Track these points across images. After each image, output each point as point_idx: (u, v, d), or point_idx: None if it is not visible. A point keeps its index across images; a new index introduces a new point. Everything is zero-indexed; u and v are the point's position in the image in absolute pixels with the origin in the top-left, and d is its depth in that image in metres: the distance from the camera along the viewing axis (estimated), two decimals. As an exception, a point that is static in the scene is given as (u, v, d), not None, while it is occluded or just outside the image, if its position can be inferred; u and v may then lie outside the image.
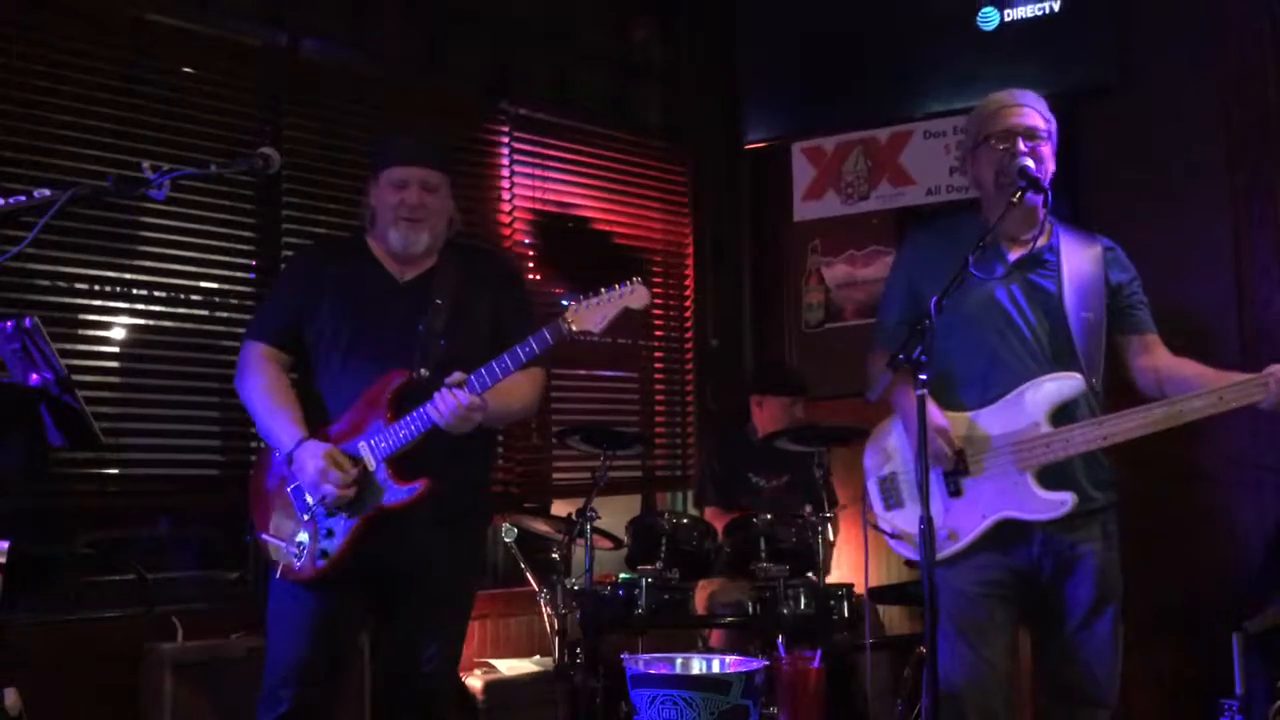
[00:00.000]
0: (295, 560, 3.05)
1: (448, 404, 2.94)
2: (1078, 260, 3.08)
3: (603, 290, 2.99)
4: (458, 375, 2.97)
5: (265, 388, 3.14)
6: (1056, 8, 4.85)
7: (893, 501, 3.19)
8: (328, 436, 3.09)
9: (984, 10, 4.97)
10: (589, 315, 2.98)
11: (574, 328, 2.98)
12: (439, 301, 3.17)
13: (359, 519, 3.02)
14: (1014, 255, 3.08)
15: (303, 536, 3.06)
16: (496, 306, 3.26)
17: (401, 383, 3.06)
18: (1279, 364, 2.81)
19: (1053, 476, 2.96)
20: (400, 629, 3.16)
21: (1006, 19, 4.94)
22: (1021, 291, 3.06)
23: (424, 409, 2.97)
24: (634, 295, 2.99)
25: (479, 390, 2.97)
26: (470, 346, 3.13)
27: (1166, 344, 3.15)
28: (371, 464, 3.02)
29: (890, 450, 3.22)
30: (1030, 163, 2.99)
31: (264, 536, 3.14)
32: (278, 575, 3.09)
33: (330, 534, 3.03)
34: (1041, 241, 3.11)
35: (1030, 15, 4.91)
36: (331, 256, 3.34)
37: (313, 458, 3.00)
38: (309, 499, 3.06)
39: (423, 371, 3.07)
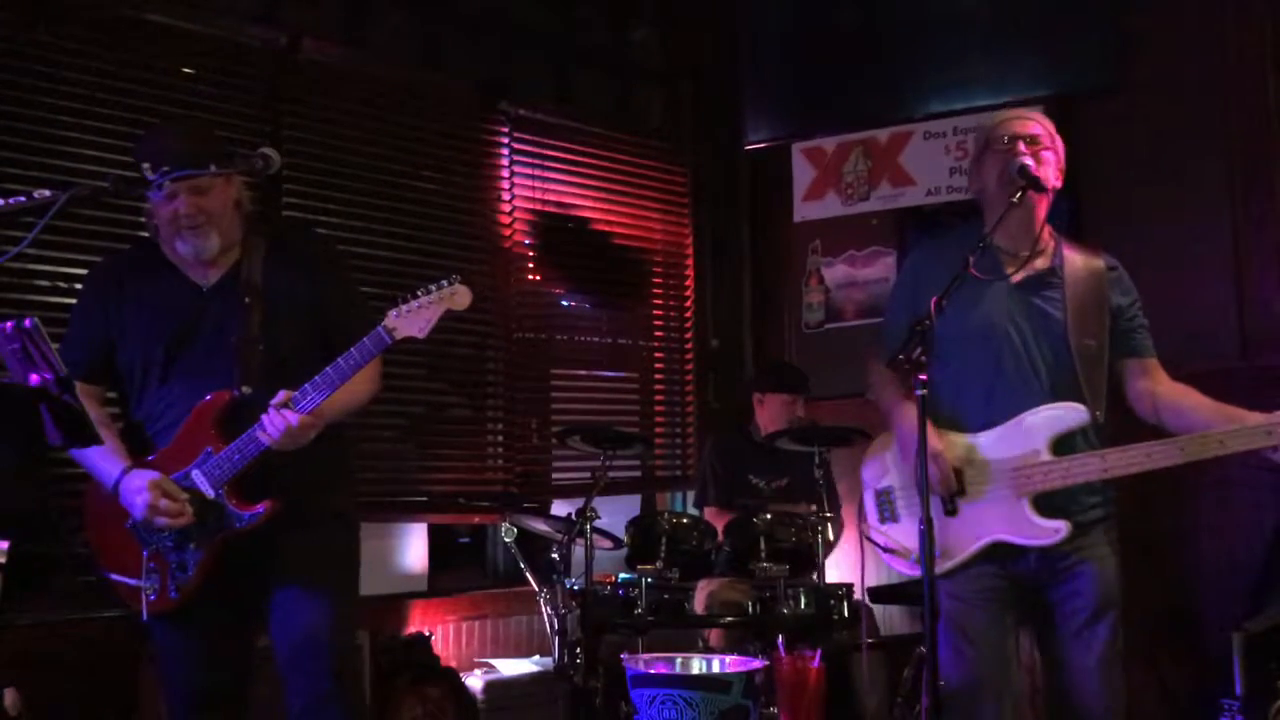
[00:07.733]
0: (151, 595, 2.92)
1: (276, 426, 2.77)
2: (1081, 283, 3.04)
3: (420, 293, 2.77)
4: (282, 395, 2.78)
5: None
6: None
7: (887, 515, 3.18)
8: (155, 466, 2.91)
9: None
10: (411, 321, 2.76)
11: (397, 335, 2.77)
12: (247, 301, 2.94)
13: (205, 550, 2.88)
14: (1018, 277, 3.03)
15: (152, 572, 2.92)
16: (313, 288, 3.02)
17: (224, 405, 2.88)
18: None
19: (1049, 503, 2.94)
20: (276, 633, 3.00)
21: None
22: (1025, 316, 3.02)
23: (253, 433, 2.80)
24: (455, 296, 2.78)
25: (308, 410, 2.78)
26: (293, 343, 2.96)
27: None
28: (209, 493, 2.85)
29: (889, 465, 3.20)
30: (1030, 162, 2.98)
31: (113, 577, 2.97)
32: (143, 615, 2.93)
33: (182, 567, 2.90)
34: (1044, 263, 3.07)
35: None
36: (127, 272, 3.05)
37: (139, 491, 2.83)
38: (151, 534, 2.92)
39: (244, 389, 2.88)
